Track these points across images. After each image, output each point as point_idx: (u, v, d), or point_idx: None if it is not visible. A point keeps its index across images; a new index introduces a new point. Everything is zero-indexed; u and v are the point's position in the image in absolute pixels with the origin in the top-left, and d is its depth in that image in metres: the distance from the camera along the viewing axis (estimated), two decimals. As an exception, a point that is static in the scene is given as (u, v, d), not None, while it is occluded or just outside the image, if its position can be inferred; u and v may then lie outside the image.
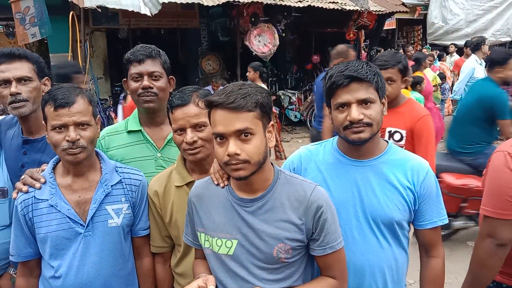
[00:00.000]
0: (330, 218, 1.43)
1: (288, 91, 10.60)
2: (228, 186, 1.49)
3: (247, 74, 6.44)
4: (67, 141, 1.57)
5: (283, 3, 8.34)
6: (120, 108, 5.44)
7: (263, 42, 8.48)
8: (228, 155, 1.32)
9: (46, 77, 2.02)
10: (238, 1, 7.82)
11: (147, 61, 1.93)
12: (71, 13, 6.67)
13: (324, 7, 8.65)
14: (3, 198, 2.01)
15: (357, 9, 9.18)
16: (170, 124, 1.71)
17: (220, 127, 1.33)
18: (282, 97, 10.44)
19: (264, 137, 1.37)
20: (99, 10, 6.66)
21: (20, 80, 1.90)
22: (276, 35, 8.57)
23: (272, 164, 1.49)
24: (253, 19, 8.52)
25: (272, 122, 1.42)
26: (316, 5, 8.59)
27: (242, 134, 1.32)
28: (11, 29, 8.49)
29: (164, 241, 1.81)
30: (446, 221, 1.66)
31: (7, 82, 1.88)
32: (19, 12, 6.58)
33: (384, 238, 1.60)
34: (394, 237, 1.62)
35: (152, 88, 1.92)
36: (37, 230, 1.64)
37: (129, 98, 5.37)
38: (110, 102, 8.43)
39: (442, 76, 8.75)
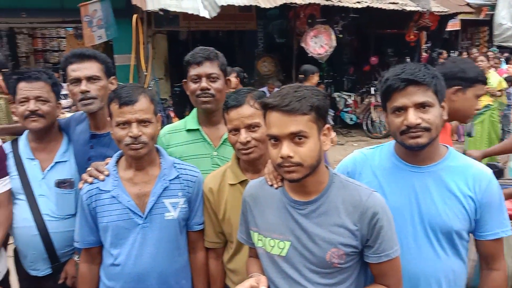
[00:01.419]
0: (387, 225, 1.40)
1: (344, 93, 10.44)
2: (282, 188, 1.50)
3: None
4: (130, 136, 1.67)
5: (341, 4, 8.24)
6: None
7: (319, 43, 8.41)
8: (281, 157, 1.33)
9: (113, 76, 2.15)
10: (295, 3, 7.82)
11: (205, 63, 2.00)
12: (134, 16, 6.98)
13: (384, 7, 8.44)
14: (70, 189, 2.15)
15: (419, 10, 8.86)
16: (226, 124, 1.76)
17: (274, 129, 1.34)
18: (338, 99, 10.29)
19: (318, 140, 1.36)
20: (161, 13, 6.92)
21: (90, 79, 2.03)
22: (333, 37, 8.47)
23: (327, 167, 1.48)
24: (310, 21, 8.48)
25: (328, 125, 1.41)
26: (375, 6, 8.41)
27: (296, 137, 1.32)
28: (79, 31, 9.02)
29: (217, 236, 1.86)
30: (510, 233, 1.57)
31: (78, 80, 2.03)
32: (87, 15, 6.99)
33: (441, 247, 1.55)
34: (452, 247, 1.56)
35: (209, 89, 1.99)
36: (99, 219, 1.75)
37: None
38: (170, 101, 8.72)
39: (510, 79, 8.24)
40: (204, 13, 7.20)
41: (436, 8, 9.41)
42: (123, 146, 1.70)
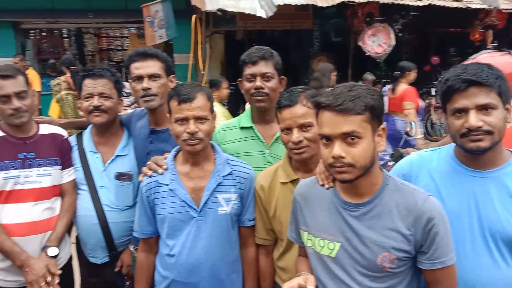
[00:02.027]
0: (442, 231, 1.35)
1: (402, 94, 10.08)
2: (334, 188, 1.49)
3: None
4: (187, 132, 1.73)
5: (401, 2, 7.97)
6: (385, 100, 5.67)
7: (377, 42, 8.19)
8: (333, 157, 1.31)
9: (173, 75, 2.23)
10: (353, 1, 7.67)
11: (260, 62, 2.03)
12: (193, 16, 7.15)
13: (446, 5, 8.06)
14: (129, 182, 2.26)
15: (485, 8, 8.38)
16: (278, 123, 1.78)
17: (326, 128, 1.33)
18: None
19: (372, 141, 1.34)
20: (219, 13, 7.05)
21: (151, 76, 2.13)
22: (392, 35, 8.22)
23: (381, 169, 1.45)
24: (368, 19, 8.28)
25: (383, 126, 1.38)
26: (437, 4, 8.06)
27: (349, 137, 1.30)
28: (141, 31, 9.39)
29: (267, 233, 1.88)
30: None
31: (140, 78, 2.13)
32: (149, 15, 7.25)
33: (501, 256, 1.46)
34: (514, 256, 1.47)
35: (263, 88, 2.02)
36: (157, 211, 1.83)
37: (398, 89, 5.58)
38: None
39: None
40: (261, 13, 7.25)
41: (504, 5, 8.85)
42: (180, 142, 1.77)
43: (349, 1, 7.62)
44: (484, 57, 2.59)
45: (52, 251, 2.11)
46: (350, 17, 8.56)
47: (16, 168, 2.05)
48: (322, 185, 1.53)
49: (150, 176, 1.86)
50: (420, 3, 8.05)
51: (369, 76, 7.73)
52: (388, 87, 6.08)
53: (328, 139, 1.33)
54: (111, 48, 12.59)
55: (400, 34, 8.65)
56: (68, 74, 6.22)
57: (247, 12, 7.22)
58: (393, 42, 8.24)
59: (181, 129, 1.75)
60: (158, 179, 1.84)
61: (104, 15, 9.09)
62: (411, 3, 8.02)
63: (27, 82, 2.10)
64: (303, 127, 1.69)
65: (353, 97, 1.30)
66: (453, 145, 1.59)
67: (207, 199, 1.80)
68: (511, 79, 2.55)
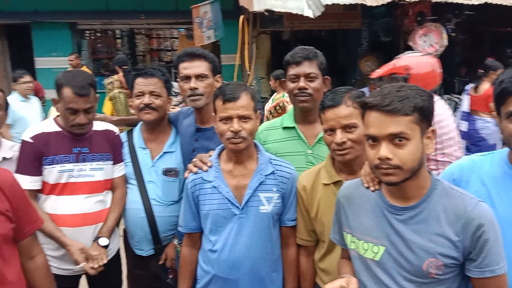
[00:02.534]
0: (493, 239, 1.29)
1: (455, 95, 9.69)
2: (379, 191, 1.46)
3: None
4: (231, 131, 1.76)
5: (455, 1, 7.66)
6: (466, 98, 5.64)
7: (428, 42, 7.91)
8: (379, 159, 1.29)
9: (219, 75, 2.28)
10: (404, 0, 7.46)
11: (304, 63, 2.03)
12: (241, 17, 7.23)
13: (504, 4, 7.66)
14: (175, 177, 2.33)
15: (547, 5, 7.88)
16: (322, 124, 1.77)
17: (373, 129, 1.30)
18: (448, 102, 9.59)
19: (421, 142, 1.30)
20: (267, 13, 7.07)
21: (198, 76, 2.19)
22: (445, 35, 7.91)
23: (429, 172, 1.41)
24: (419, 18, 8.02)
25: (432, 128, 1.34)
26: (493, 2, 7.67)
27: (396, 139, 1.27)
28: (190, 32, 9.59)
29: (309, 234, 1.88)
30: None
31: (188, 78, 2.19)
32: (198, 16, 7.39)
33: None
34: None
35: (307, 89, 2.01)
36: (201, 207, 1.88)
37: (481, 88, 5.53)
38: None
39: None
40: (308, 13, 7.20)
41: None
42: (224, 140, 1.81)
43: (399, 0, 7.42)
44: (407, 56, 2.61)
45: (103, 241, 2.21)
46: (400, 17, 8.32)
47: (71, 162, 2.17)
48: (367, 187, 1.50)
49: (195, 173, 1.91)
50: (475, 2, 7.69)
51: None
52: (470, 85, 5.91)
53: (375, 140, 1.31)
54: (161, 48, 12.93)
55: (453, 34, 8.31)
56: (121, 73, 6.47)
57: (294, 12, 7.20)
58: (446, 42, 7.92)
59: (225, 127, 1.78)
60: (203, 176, 1.89)
61: (156, 16, 9.36)
62: (465, 2, 7.68)
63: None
64: (346, 128, 1.67)
65: (401, 97, 1.27)
66: (506, 149, 1.52)
67: (249, 197, 1.82)
68: (428, 78, 2.52)
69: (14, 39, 9.90)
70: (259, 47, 9.01)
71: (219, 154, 1.94)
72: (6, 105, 2.19)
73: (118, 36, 11.48)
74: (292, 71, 2.04)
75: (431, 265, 1.32)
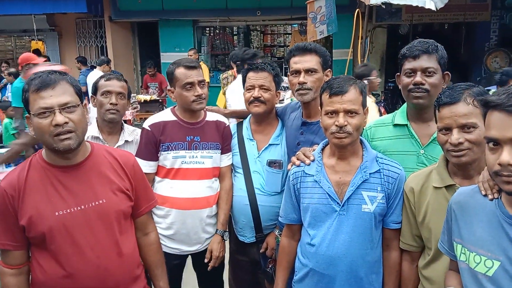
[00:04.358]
0: None
1: None
2: (498, 200, 1.32)
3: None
4: (336, 125, 1.73)
5: None
6: None
7: None
8: (500, 165, 1.16)
9: (329, 69, 2.26)
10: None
11: (422, 56, 1.89)
12: (356, 10, 7.04)
13: None
14: (279, 169, 2.38)
15: None
16: (436, 122, 1.65)
17: (494, 131, 1.18)
18: None
19: None
20: (384, 6, 6.79)
21: (308, 71, 2.19)
22: None
23: None
24: None
25: None
26: None
27: None
28: (303, 27, 9.64)
29: (414, 240, 1.77)
30: None
31: (297, 72, 2.21)
32: (312, 11, 7.37)
33: None
34: None
35: (423, 84, 1.87)
36: (301, 200, 1.89)
37: None
38: (382, 96, 8.57)
39: None
40: (430, 5, 6.73)
41: None
42: (328, 134, 1.78)
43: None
44: None
45: (227, 236, 2.46)
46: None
47: (184, 149, 2.34)
48: (485, 195, 1.37)
49: (298, 166, 1.92)
50: None
51: None
52: None
53: (496, 143, 1.19)
54: (274, 44, 13.19)
55: None
56: (235, 69, 6.76)
57: (414, 4, 6.78)
58: None
59: (330, 121, 1.76)
60: (305, 169, 1.89)
61: (271, 12, 9.60)
62: None
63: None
64: (465, 127, 1.53)
65: None
66: None
67: (350, 195, 1.78)
68: None
69: (144, 35, 10.93)
70: (374, 41, 8.71)
71: (323, 149, 1.93)
72: (129, 94, 2.45)
73: (235, 33, 11.97)
74: (409, 65, 1.92)
75: None
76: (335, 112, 1.75)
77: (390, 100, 8.35)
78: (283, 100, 5.01)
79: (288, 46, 12.10)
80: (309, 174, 1.87)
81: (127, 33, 10.80)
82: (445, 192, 1.63)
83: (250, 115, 2.52)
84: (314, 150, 1.96)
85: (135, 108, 7.73)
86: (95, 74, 7.33)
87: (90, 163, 1.69)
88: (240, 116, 2.84)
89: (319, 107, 1.88)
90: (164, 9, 9.78)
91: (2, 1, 9.09)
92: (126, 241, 1.75)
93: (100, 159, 1.73)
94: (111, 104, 2.35)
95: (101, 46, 10.71)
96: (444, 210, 1.50)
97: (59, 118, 1.53)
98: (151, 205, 1.92)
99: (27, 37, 12.47)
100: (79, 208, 1.63)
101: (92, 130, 2.39)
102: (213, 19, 10.28)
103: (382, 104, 7.99)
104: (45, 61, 5.66)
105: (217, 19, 10.19)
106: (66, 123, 1.54)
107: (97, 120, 2.45)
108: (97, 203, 1.66)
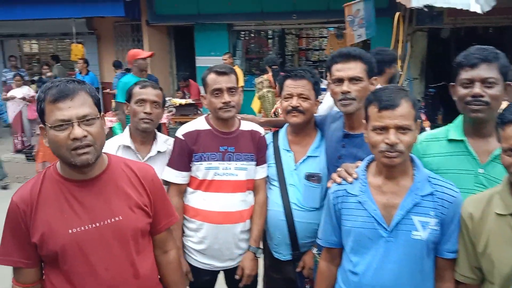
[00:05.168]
0: None
1: None
2: None
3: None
4: (386, 143, 1.56)
5: None
6: None
7: None
8: None
9: (374, 77, 2.08)
10: None
11: (481, 65, 1.68)
12: (397, 14, 6.79)
13: None
14: (317, 183, 2.23)
15: None
16: (498, 140, 1.45)
17: None
18: None
19: None
20: (426, 9, 6.51)
21: (352, 79, 2.01)
22: None
23: None
24: None
25: None
26: None
27: None
28: (340, 31, 9.42)
29: (472, 271, 1.58)
30: None
31: (340, 80, 2.03)
32: (350, 14, 7.16)
33: None
34: None
35: (483, 96, 1.67)
36: (343, 222, 1.72)
37: None
38: (422, 103, 8.23)
39: None
40: (475, 8, 6.39)
41: None
42: (376, 152, 1.61)
43: None
44: None
45: (260, 253, 2.33)
46: None
47: (217, 160, 2.23)
48: None
49: (339, 184, 1.76)
50: None
51: None
52: None
53: None
54: (309, 48, 13.01)
55: None
56: (270, 73, 6.66)
57: (459, 7, 6.46)
58: None
59: (379, 138, 1.58)
60: (347, 188, 1.73)
61: (307, 16, 9.43)
62: None
63: (237, 82, 2.27)
64: None
65: None
66: None
67: (400, 219, 1.59)
68: None
69: (179, 39, 11.00)
70: (414, 45, 8.37)
71: (368, 166, 1.76)
72: (163, 102, 2.36)
73: (270, 36, 11.87)
74: (466, 74, 1.71)
75: None
76: (385, 128, 1.57)
77: (431, 106, 8.00)
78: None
79: (324, 49, 11.91)
80: (352, 194, 1.70)
81: (163, 37, 10.89)
82: (510, 220, 1.43)
83: (287, 124, 2.38)
84: (357, 166, 1.79)
85: (170, 111, 7.72)
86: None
87: (107, 177, 1.59)
88: (276, 125, 2.71)
89: (364, 120, 1.71)
90: (200, 13, 9.80)
91: (43, 5, 9.34)
92: (143, 261, 1.64)
93: (118, 172, 1.63)
94: (145, 113, 2.24)
95: (138, 50, 10.83)
96: (509, 240, 1.31)
97: (78, 131, 1.42)
98: (171, 222, 1.80)
99: (68, 40, 12.83)
100: (94, 225, 1.53)
101: (124, 139, 2.30)
102: (248, 23, 10.21)
103: (423, 111, 7.68)
104: (151, 55, 5.74)
105: (252, 22, 10.11)
106: (85, 136, 1.44)
107: (129, 128, 2.36)
108: (113, 220, 1.55)
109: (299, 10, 9.27)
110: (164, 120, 7.40)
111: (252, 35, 11.44)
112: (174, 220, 1.82)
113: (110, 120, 6.84)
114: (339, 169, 1.83)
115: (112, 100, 7.54)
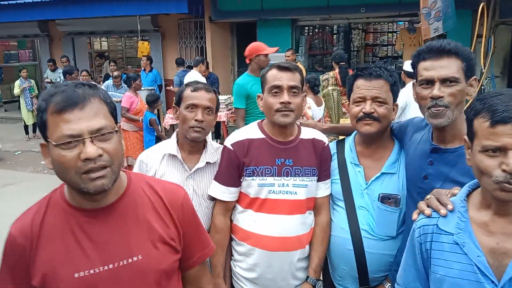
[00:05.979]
0: None
1: None
2: None
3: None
4: (505, 171, 1.13)
5: None
6: None
7: None
8: None
9: (474, 77, 1.63)
10: None
11: None
12: (481, 4, 6.08)
13: None
14: (395, 207, 1.84)
15: None
16: None
17: None
18: None
19: None
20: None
21: (445, 81, 1.57)
22: None
23: None
24: None
25: None
26: None
27: None
28: (412, 25, 8.73)
29: None
30: None
31: (430, 81, 1.60)
32: (425, 7, 6.56)
33: None
34: None
35: None
36: (432, 267, 1.31)
37: None
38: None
39: None
40: None
41: None
42: (489, 182, 1.16)
43: None
44: None
45: (320, 286, 1.99)
46: None
47: (272, 175, 1.89)
48: None
49: (428, 216, 1.35)
50: None
51: None
52: None
53: None
54: (376, 43, 12.32)
55: None
56: (337, 70, 6.23)
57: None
58: None
59: (493, 163, 1.15)
60: (439, 223, 1.31)
61: (377, 9, 8.89)
62: None
63: (302, 83, 1.91)
64: None
65: None
66: None
67: None
68: None
69: (242, 36, 10.82)
70: (496, 40, 7.55)
71: (469, 195, 1.33)
72: (217, 107, 2.06)
73: (335, 31, 11.34)
74: None
75: None
76: (501, 149, 1.15)
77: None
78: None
79: (394, 45, 11.20)
80: (446, 232, 1.28)
81: (226, 34, 10.78)
82: None
83: (355, 132, 2.00)
84: (454, 194, 1.37)
85: (230, 109, 7.52)
86: (192, 74, 7.24)
87: (125, 205, 1.27)
88: (342, 132, 2.32)
89: (466, 136, 1.28)
90: (263, 9, 9.54)
91: (110, 3, 9.56)
92: None
93: (138, 196, 1.30)
94: (196, 120, 1.94)
95: (200, 47, 10.80)
96: None
97: (91, 149, 1.11)
98: (206, 254, 1.46)
99: (135, 38, 13.11)
100: (106, 267, 1.21)
101: (170, 147, 2.01)
102: (313, 18, 9.79)
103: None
104: (275, 51, 4.74)
105: (318, 17, 9.67)
106: (100, 156, 1.12)
107: (177, 135, 2.08)
108: (130, 260, 1.23)
109: (368, 3, 8.75)
110: (223, 118, 7.19)
111: (316, 30, 10.98)
112: (210, 252, 1.49)
113: (171, 118, 6.74)
114: (428, 196, 1.41)
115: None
